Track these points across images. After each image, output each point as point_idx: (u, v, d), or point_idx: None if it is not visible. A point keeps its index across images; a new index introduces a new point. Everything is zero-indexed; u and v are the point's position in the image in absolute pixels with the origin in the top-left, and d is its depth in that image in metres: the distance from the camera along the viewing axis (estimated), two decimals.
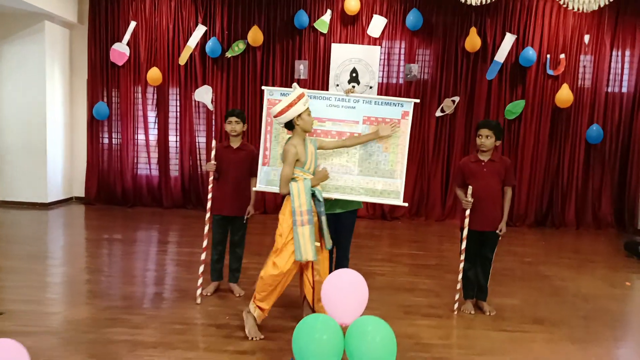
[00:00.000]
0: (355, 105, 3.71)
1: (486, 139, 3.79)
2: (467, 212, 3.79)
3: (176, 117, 8.23)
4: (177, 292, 4.20)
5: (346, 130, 3.72)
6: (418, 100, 3.84)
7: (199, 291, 3.88)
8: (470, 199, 3.75)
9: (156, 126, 8.22)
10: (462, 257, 3.88)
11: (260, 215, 7.65)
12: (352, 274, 2.46)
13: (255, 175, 3.94)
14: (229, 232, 4.15)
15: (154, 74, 7.79)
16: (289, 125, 3.28)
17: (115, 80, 8.13)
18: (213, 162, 3.85)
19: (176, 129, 8.24)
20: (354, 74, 7.68)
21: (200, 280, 3.86)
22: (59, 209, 7.79)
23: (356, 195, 3.75)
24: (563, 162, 7.81)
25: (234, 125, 3.99)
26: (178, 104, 8.17)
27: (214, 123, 8.07)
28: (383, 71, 7.89)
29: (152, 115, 8.23)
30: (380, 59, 7.77)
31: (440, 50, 7.78)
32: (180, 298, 4.02)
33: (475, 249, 3.97)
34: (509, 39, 7.52)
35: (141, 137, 8.26)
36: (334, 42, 7.79)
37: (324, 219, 3.31)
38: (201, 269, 3.85)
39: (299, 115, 3.24)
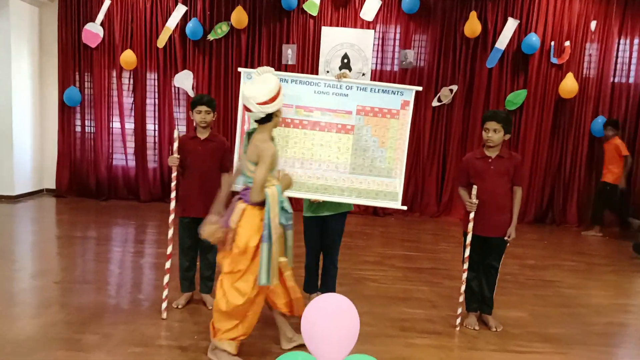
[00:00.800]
0: (349, 93, 3.22)
1: (494, 133, 3.31)
2: (472, 215, 3.32)
3: (154, 104, 7.66)
4: (143, 303, 3.70)
5: (337, 121, 3.24)
6: (420, 88, 3.36)
7: (164, 305, 3.39)
8: (475, 200, 3.28)
9: (132, 113, 7.65)
10: (465, 265, 3.42)
11: None
12: (340, 301, 1.99)
13: (227, 171, 3.47)
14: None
15: (128, 57, 7.20)
16: (266, 118, 2.75)
17: (88, 64, 7.53)
18: (176, 155, 3.33)
19: (154, 117, 7.68)
20: (345, 60, 7.16)
21: (165, 292, 3.37)
22: (27, 202, 7.22)
23: (347, 197, 3.28)
24: (565, 155, 7.39)
25: (204, 116, 3.47)
26: (156, 90, 7.60)
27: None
28: (377, 57, 7.38)
29: (128, 102, 7.65)
30: (373, 44, 7.25)
31: (438, 35, 7.28)
32: (145, 311, 3.52)
33: (480, 256, 3.51)
34: (511, 24, 7.04)
35: (116, 125, 7.68)
36: (324, 25, 7.25)
37: (290, 233, 2.83)
38: (166, 279, 3.35)
39: (279, 108, 2.80)
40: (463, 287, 3.43)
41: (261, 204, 2.71)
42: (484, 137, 3.37)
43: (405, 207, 3.37)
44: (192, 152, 3.49)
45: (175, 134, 3.32)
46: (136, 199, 7.68)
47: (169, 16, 7.27)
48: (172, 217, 3.37)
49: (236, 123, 3.35)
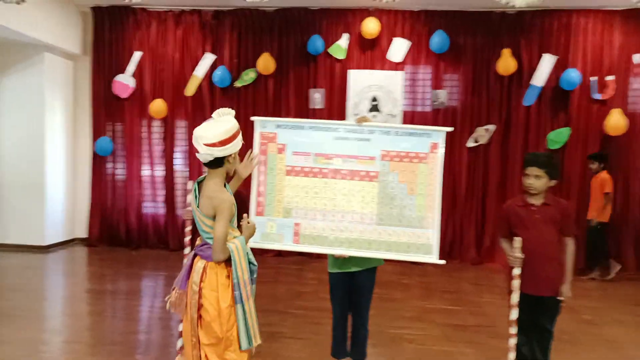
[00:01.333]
0: (371, 137, 2.96)
1: (535, 180, 2.96)
2: (516, 270, 2.93)
3: (184, 151, 7.64)
4: None
5: (361, 168, 2.97)
6: (451, 129, 3.07)
7: None
8: (519, 254, 2.90)
9: (163, 161, 7.64)
10: (513, 330, 2.99)
11: (273, 257, 6.89)
12: None
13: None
14: None
15: (157, 106, 7.25)
16: (217, 163, 2.43)
17: (119, 114, 7.62)
18: (189, 207, 3.13)
19: (185, 164, 7.64)
20: (374, 102, 6.98)
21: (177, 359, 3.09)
22: (57, 253, 7.19)
23: (375, 250, 2.97)
24: (616, 196, 6.82)
25: None
26: (186, 137, 7.59)
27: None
28: (407, 98, 7.16)
29: (158, 150, 7.65)
30: (403, 85, 7.05)
31: (470, 74, 7.02)
32: None
33: (530, 317, 3.08)
34: (548, 60, 6.71)
35: (146, 172, 7.67)
36: (351, 68, 7.13)
37: (254, 287, 2.55)
38: (179, 343, 3.08)
39: (233, 154, 2.49)
40: (512, 357, 2.99)
41: (225, 260, 2.43)
42: (524, 183, 3.02)
43: (443, 262, 3.01)
44: None
45: (189, 185, 3.11)
46: (166, 247, 7.54)
47: (197, 65, 7.33)
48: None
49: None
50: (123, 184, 7.68)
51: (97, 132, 7.63)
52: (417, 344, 3.98)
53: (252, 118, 3.10)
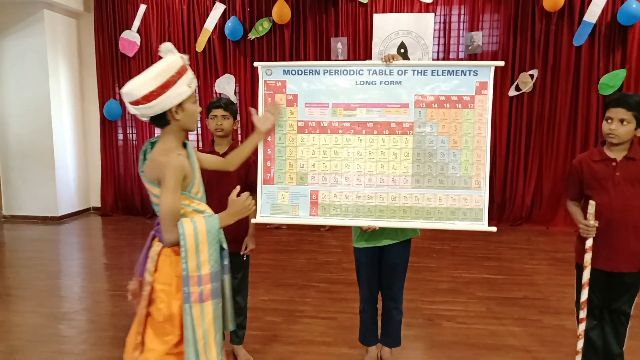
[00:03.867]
0: (402, 79, 2.35)
1: (619, 125, 2.31)
2: (589, 242, 2.33)
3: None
4: None
5: (391, 119, 2.38)
6: (502, 63, 2.43)
7: None
8: (593, 221, 2.29)
9: None
10: (583, 314, 2.42)
11: (278, 236, 6.40)
12: None
13: (254, 192, 2.69)
14: None
15: None
16: (159, 120, 1.85)
17: (127, 74, 7.10)
18: None
19: (198, 126, 7.14)
20: (402, 50, 6.25)
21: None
22: (71, 223, 6.90)
23: (412, 220, 2.41)
24: None
25: (220, 121, 2.73)
26: (197, 97, 7.04)
27: (238, 117, 6.86)
28: (439, 44, 6.41)
29: None
30: (434, 30, 6.29)
31: (511, 11, 6.18)
32: None
33: (602, 298, 2.51)
34: None
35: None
36: (376, 12, 6.38)
37: (227, 278, 1.94)
38: None
39: (180, 105, 1.84)
40: (580, 344, 2.43)
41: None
42: (604, 129, 2.37)
43: (494, 229, 2.43)
44: (208, 170, 2.74)
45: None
46: None
47: (207, 17, 6.70)
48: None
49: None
50: (135, 150, 7.26)
51: (105, 95, 7.17)
52: (458, 323, 3.46)
53: (255, 64, 2.52)
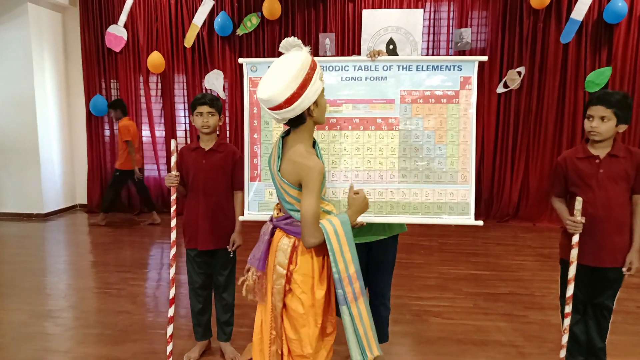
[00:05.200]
0: (388, 75, 2.34)
1: (600, 122, 2.33)
2: (575, 238, 2.35)
3: (184, 109, 7.08)
4: (150, 356, 2.99)
5: (376, 115, 2.37)
6: (485, 58, 2.43)
7: None
8: (579, 218, 2.31)
9: (162, 120, 7.09)
10: (568, 309, 2.44)
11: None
12: None
13: (240, 189, 2.69)
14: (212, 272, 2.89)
15: (155, 60, 6.64)
16: (297, 120, 1.83)
17: (114, 69, 7.04)
18: (174, 172, 2.60)
19: (185, 122, 7.09)
20: (391, 46, 6.25)
21: (169, 347, 2.63)
22: (56, 220, 6.82)
23: (399, 215, 2.41)
24: None
25: (206, 118, 2.69)
26: (186, 93, 7.00)
27: (227, 114, 6.84)
28: (428, 41, 6.43)
29: (157, 108, 7.10)
30: (423, 26, 6.30)
31: (500, 8, 6.21)
32: None
33: (586, 293, 2.54)
34: None
35: (146, 133, 7.14)
36: (365, 8, 6.37)
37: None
38: (169, 329, 2.61)
39: (316, 101, 1.82)
40: (565, 338, 2.45)
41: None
42: (586, 127, 2.39)
43: (481, 223, 2.44)
44: (195, 166, 2.73)
45: (173, 146, 2.55)
46: (169, 211, 7.09)
47: (196, 12, 6.64)
48: (173, 251, 2.62)
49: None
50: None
51: (91, 90, 7.09)
52: (445, 318, 3.48)
53: (240, 60, 2.49)
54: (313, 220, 1.76)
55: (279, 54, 6.17)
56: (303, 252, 1.87)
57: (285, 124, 1.88)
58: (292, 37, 1.87)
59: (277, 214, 2.00)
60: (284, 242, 1.91)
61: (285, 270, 1.88)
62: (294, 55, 1.80)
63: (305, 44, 6.45)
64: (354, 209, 1.91)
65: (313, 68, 1.79)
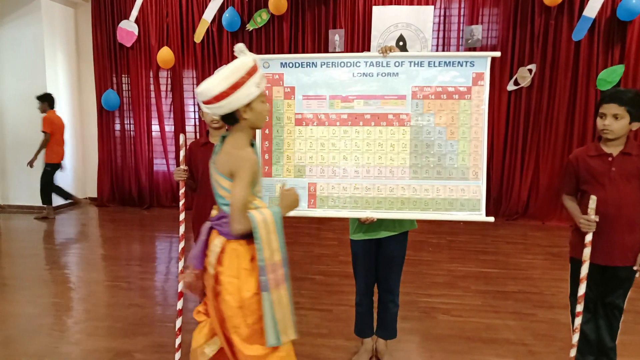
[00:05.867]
0: (399, 71, 2.34)
1: (613, 120, 2.31)
2: (589, 236, 2.33)
3: (194, 104, 7.11)
4: (159, 350, 3.02)
5: (388, 111, 2.37)
6: (498, 54, 2.42)
7: (177, 355, 2.67)
8: (593, 216, 2.29)
9: (172, 115, 7.13)
10: (580, 307, 2.43)
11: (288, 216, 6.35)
12: None
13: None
14: None
15: (165, 55, 6.67)
16: (229, 119, 1.90)
17: (125, 64, 7.08)
18: (183, 166, 2.62)
19: (194, 118, 7.13)
20: (400, 43, 6.22)
21: (178, 339, 2.65)
22: (67, 213, 6.89)
23: (410, 210, 2.41)
24: None
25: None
26: (195, 89, 7.01)
27: None
28: (438, 37, 6.40)
29: (167, 103, 7.13)
30: (434, 23, 6.27)
31: (511, 5, 6.16)
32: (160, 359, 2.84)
33: (597, 292, 2.52)
34: None
35: (156, 128, 7.19)
36: (375, 4, 6.36)
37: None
38: (178, 322, 2.63)
39: (249, 104, 1.86)
40: (576, 337, 2.44)
41: (247, 237, 1.87)
42: (598, 125, 2.37)
43: (492, 219, 2.44)
44: (204, 161, 2.74)
45: (181, 140, 2.58)
46: (178, 206, 7.14)
47: (205, 7, 6.66)
48: (182, 244, 2.64)
49: None
50: (132, 141, 7.25)
51: (102, 85, 7.15)
52: (453, 316, 3.47)
53: (254, 56, 2.50)
54: (241, 207, 1.81)
55: (288, 50, 6.17)
56: (230, 254, 1.90)
57: (221, 120, 1.93)
58: (241, 44, 1.90)
59: (214, 214, 2.03)
60: (215, 243, 1.94)
61: (214, 271, 1.92)
62: (240, 59, 1.85)
63: (314, 39, 6.45)
64: (284, 204, 1.96)
65: (250, 73, 1.83)
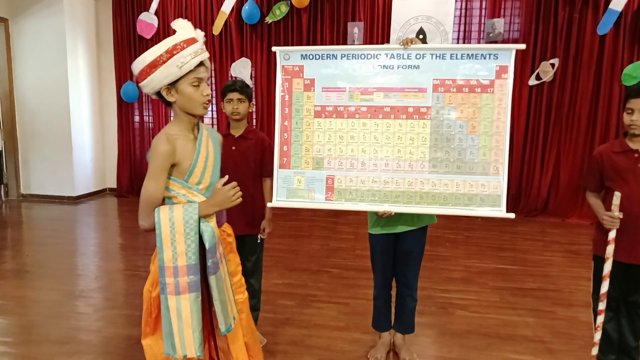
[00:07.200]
0: (420, 63, 2.31)
1: None
2: (612, 233, 2.29)
3: (212, 95, 7.12)
4: None
5: (408, 104, 2.35)
6: (523, 46, 2.38)
7: None
8: (617, 213, 2.25)
9: None
10: (602, 305, 2.39)
11: (292, 222, 6.38)
12: None
13: (269, 176, 2.71)
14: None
15: None
16: (163, 100, 1.74)
17: None
18: None
19: (211, 109, 7.16)
20: (420, 36, 6.16)
21: None
22: (87, 203, 7.00)
23: (428, 205, 2.39)
24: None
25: (235, 105, 2.72)
26: (213, 81, 7.06)
27: (254, 102, 6.87)
28: (459, 31, 6.31)
29: None
30: (454, 16, 6.19)
31: None
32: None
33: (619, 290, 2.47)
34: None
35: None
36: None
37: (213, 279, 1.72)
38: None
39: (173, 85, 1.70)
40: (598, 336, 2.41)
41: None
42: (625, 121, 2.32)
43: (513, 215, 2.40)
44: (224, 152, 2.74)
45: None
46: None
47: (224, 0, 6.67)
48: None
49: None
50: (151, 133, 7.32)
51: (122, 77, 7.22)
52: (471, 312, 3.45)
53: (274, 48, 2.51)
54: (146, 202, 1.68)
55: (307, 43, 6.14)
56: (155, 252, 1.76)
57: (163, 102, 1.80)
58: (181, 19, 1.77)
59: None
60: None
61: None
62: (171, 37, 1.72)
63: (333, 32, 6.40)
64: (213, 201, 1.74)
65: (170, 52, 1.65)
